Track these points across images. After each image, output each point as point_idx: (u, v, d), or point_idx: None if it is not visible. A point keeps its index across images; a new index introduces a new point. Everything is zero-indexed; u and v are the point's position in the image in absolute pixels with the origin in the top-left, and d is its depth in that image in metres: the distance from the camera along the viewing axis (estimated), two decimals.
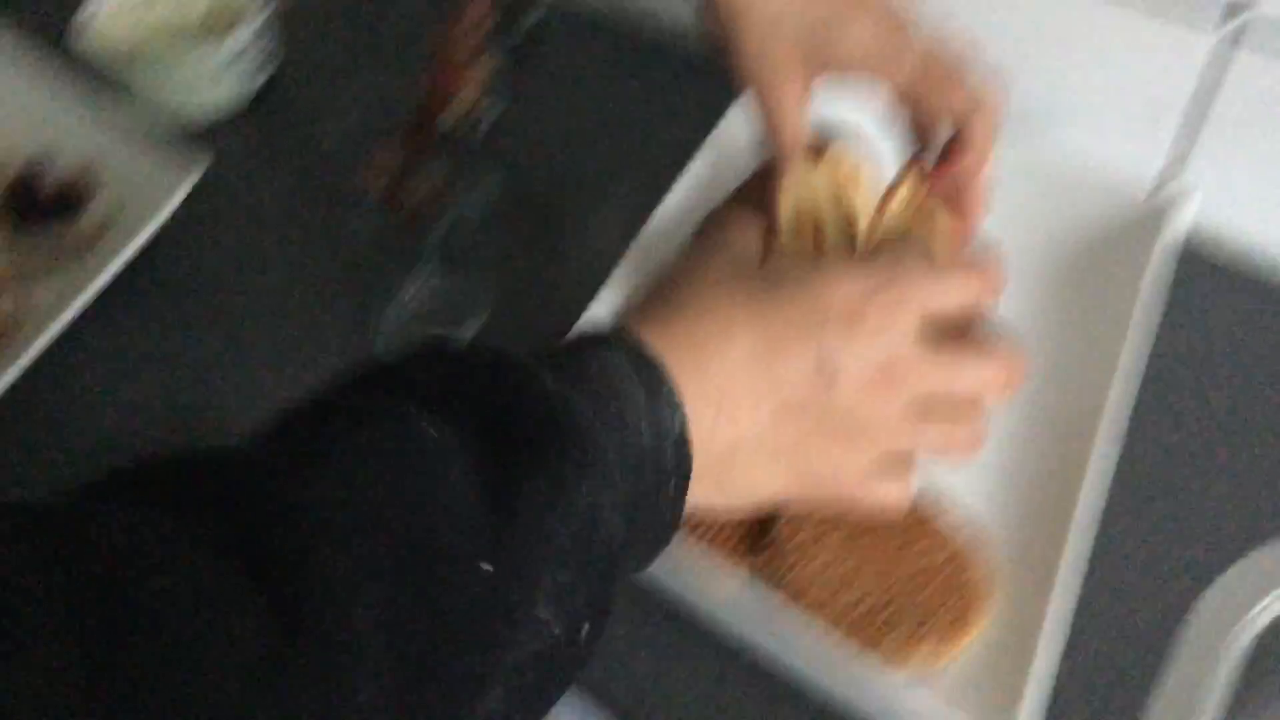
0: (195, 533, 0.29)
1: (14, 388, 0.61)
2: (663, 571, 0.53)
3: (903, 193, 0.55)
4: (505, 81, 0.79)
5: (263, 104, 0.81)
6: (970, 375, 0.45)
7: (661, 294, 0.45)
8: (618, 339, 0.41)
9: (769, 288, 0.44)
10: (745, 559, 0.53)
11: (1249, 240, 0.72)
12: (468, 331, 0.66)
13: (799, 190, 0.56)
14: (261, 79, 0.82)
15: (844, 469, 0.44)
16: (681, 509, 0.40)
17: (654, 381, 0.39)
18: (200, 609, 0.27)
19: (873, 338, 0.43)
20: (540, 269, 0.71)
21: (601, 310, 0.63)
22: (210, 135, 0.79)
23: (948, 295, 0.45)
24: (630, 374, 0.39)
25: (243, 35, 0.78)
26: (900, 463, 0.45)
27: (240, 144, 0.79)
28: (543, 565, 0.33)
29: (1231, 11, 0.65)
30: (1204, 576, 0.56)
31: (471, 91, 0.78)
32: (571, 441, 0.35)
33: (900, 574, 0.52)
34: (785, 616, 0.50)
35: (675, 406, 0.39)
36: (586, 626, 0.35)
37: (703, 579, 0.52)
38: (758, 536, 0.54)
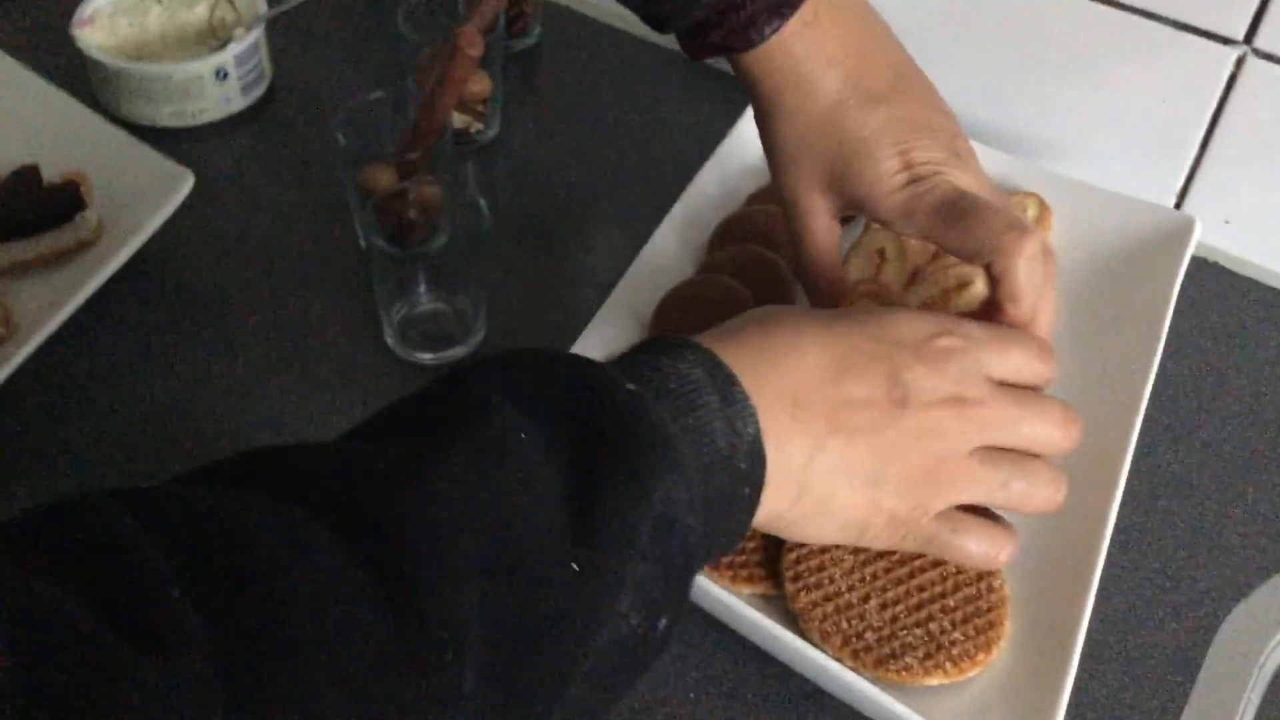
0: (315, 526, 0.31)
1: (6, 391, 0.60)
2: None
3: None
4: (499, 105, 0.80)
5: (255, 119, 0.81)
6: (1034, 421, 0.46)
7: (724, 324, 0.45)
8: (691, 348, 0.42)
9: (837, 316, 0.46)
10: (753, 586, 0.53)
11: (1264, 254, 0.73)
12: (464, 352, 0.66)
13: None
14: (255, 94, 0.81)
15: (922, 508, 0.45)
16: (754, 510, 0.41)
17: (728, 389, 0.40)
18: (326, 602, 0.29)
19: (942, 365, 0.44)
20: (539, 287, 0.71)
21: (602, 328, 0.63)
22: (203, 145, 0.78)
23: (1006, 359, 0.46)
24: (706, 381, 0.40)
25: (237, 48, 0.78)
26: (984, 522, 0.46)
27: (232, 156, 0.78)
28: (624, 562, 0.35)
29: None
30: (1231, 595, 0.56)
31: (464, 115, 0.78)
32: (650, 444, 0.37)
33: (910, 601, 0.52)
34: (794, 643, 0.49)
35: (749, 414, 0.40)
36: (663, 619, 0.37)
37: (713, 604, 0.52)
38: (766, 565, 0.53)
